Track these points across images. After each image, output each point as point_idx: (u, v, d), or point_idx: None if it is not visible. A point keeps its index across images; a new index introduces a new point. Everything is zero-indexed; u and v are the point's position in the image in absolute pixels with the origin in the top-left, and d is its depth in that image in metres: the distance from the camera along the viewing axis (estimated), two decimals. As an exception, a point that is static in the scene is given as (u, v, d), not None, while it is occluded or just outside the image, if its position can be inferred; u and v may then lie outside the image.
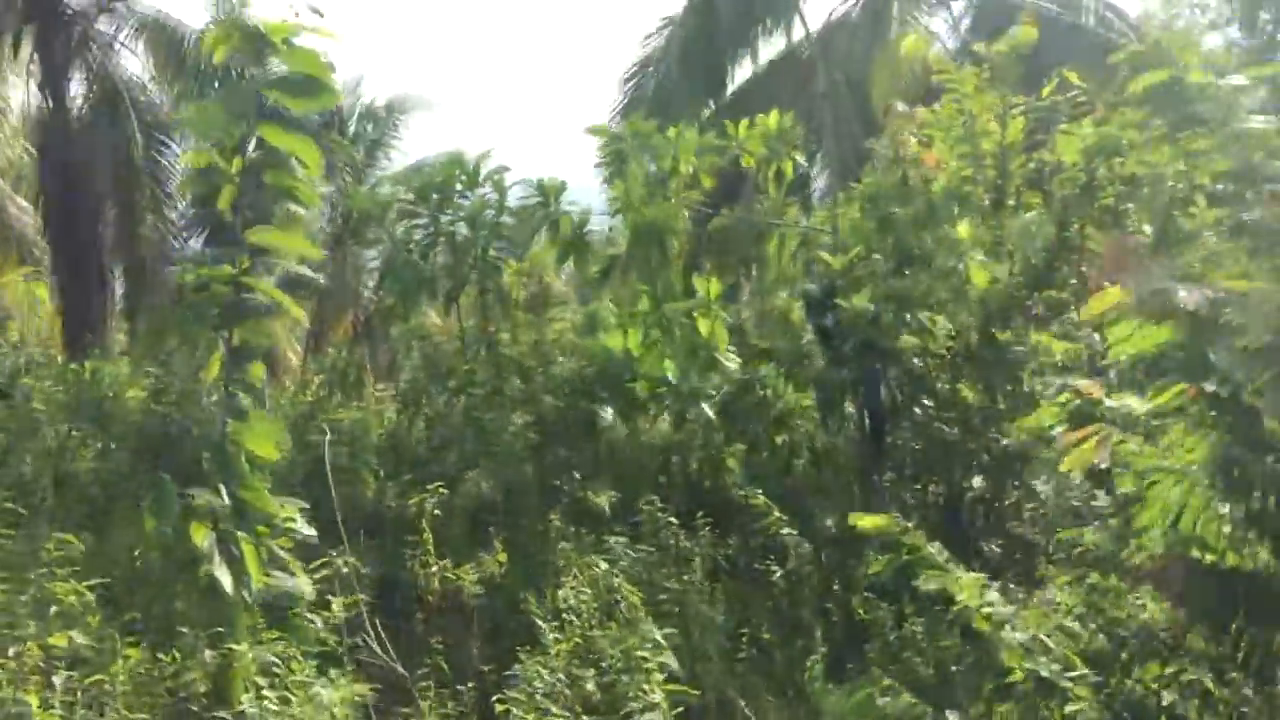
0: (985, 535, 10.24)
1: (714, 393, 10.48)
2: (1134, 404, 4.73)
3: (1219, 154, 5.87)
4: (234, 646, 4.67)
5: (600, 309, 13.39)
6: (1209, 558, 4.11)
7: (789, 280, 14.97)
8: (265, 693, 4.64)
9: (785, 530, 10.98)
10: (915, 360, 10.74)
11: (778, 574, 10.93)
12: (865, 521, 5.27)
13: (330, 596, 5.57)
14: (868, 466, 11.00)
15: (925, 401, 10.97)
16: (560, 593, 7.63)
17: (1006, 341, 10.11)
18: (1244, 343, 3.93)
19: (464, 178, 12.79)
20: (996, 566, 9.42)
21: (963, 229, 9.49)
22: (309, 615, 5.15)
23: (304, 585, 4.73)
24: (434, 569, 7.05)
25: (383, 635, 5.36)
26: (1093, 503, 7.45)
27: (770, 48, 21.66)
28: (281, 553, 4.66)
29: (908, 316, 10.07)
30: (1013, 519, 9.66)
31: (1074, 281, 10.49)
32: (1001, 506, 9.91)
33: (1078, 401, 5.05)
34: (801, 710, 8.11)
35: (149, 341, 4.77)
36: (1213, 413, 3.99)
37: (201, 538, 4.15)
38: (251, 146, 4.40)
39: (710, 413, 10.32)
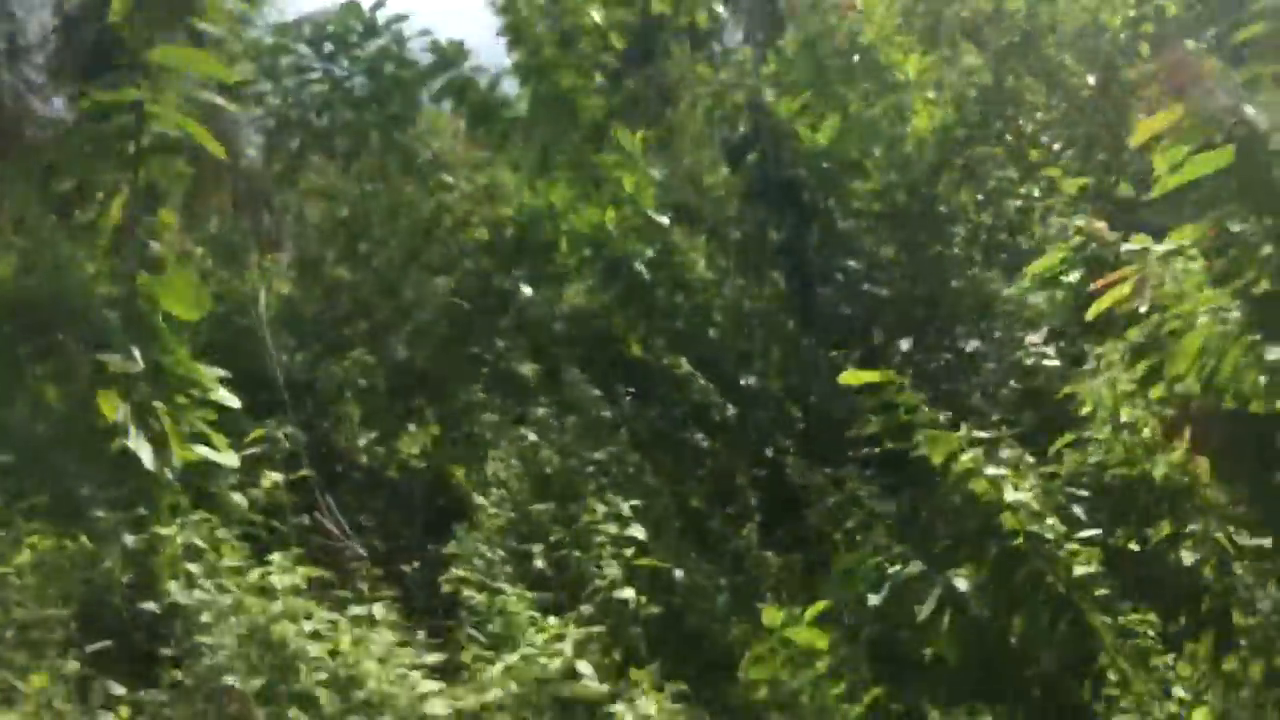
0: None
1: (649, 252, 9.99)
2: (1151, 245, 4.46)
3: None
4: (157, 530, 4.06)
5: (501, 174, 12.71)
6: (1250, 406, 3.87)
7: (701, 141, 14.43)
8: (198, 579, 4.15)
9: (711, 397, 10.74)
10: (841, 221, 10.43)
11: (704, 441, 10.70)
12: (858, 377, 4.93)
13: (259, 472, 5.07)
14: (792, 329, 10.75)
15: (852, 263, 10.70)
16: (490, 466, 7.24)
17: (936, 199, 9.84)
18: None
19: (360, 27, 11.84)
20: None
21: (911, 65, 9.07)
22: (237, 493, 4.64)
23: (230, 458, 4.19)
24: (361, 442, 6.55)
25: (331, 510, 4.82)
26: (1045, 360, 7.29)
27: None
28: (203, 425, 4.10)
29: (839, 174, 9.70)
30: (945, 379, 9.50)
31: (1009, 137, 10.22)
32: (934, 366, 9.74)
33: (1090, 243, 4.76)
34: (739, 578, 7.93)
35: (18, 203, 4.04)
36: (1263, 249, 3.69)
37: (113, 408, 3.59)
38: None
39: (645, 272, 9.84)
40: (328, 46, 11.85)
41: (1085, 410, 5.46)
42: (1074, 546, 4.05)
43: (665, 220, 10.12)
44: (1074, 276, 4.90)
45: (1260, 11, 4.12)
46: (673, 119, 15.61)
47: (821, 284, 10.71)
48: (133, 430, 3.46)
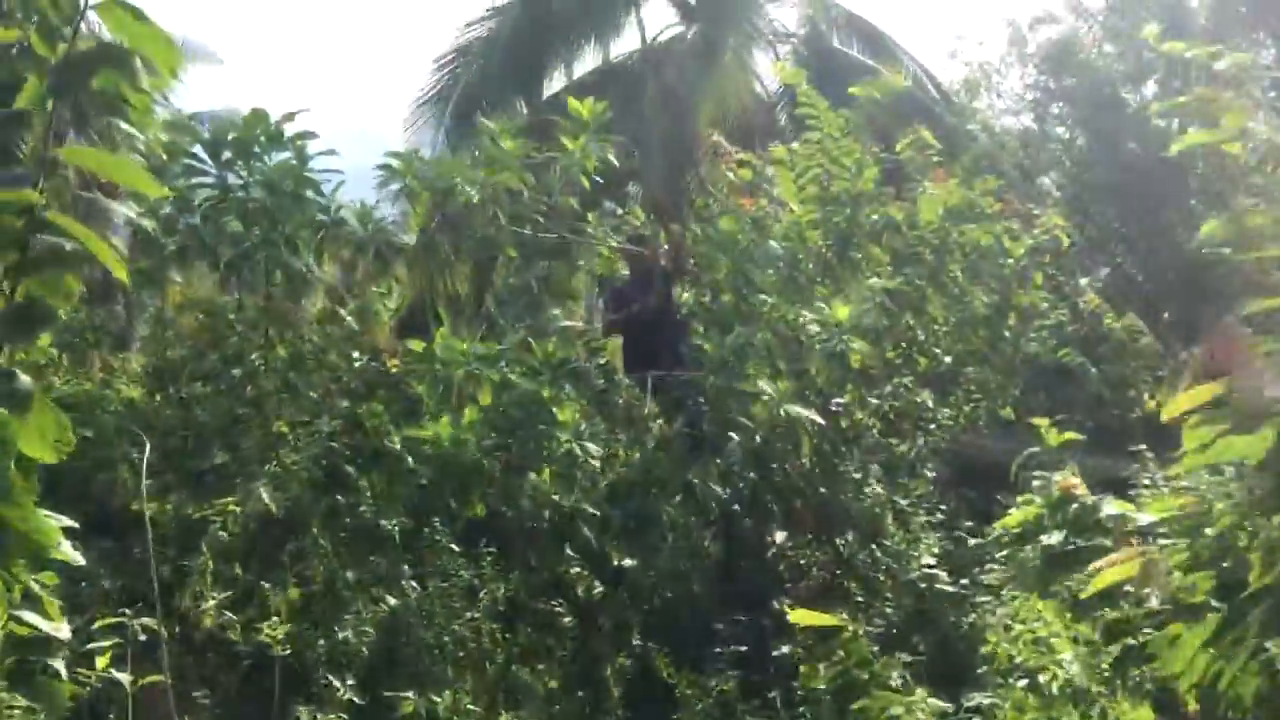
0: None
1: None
2: (1134, 513, 4.20)
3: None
4: None
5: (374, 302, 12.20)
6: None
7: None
8: None
9: (576, 569, 10.18)
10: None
11: (568, 618, 10.11)
12: (806, 618, 4.48)
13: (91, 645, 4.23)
14: (677, 512, 10.28)
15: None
16: (343, 634, 6.54)
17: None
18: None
19: (264, 138, 11.31)
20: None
21: (840, 310, 9.04)
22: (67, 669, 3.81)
23: (61, 629, 3.44)
24: (208, 604, 5.77)
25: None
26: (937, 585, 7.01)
27: (594, 58, 21.00)
28: (36, 586, 3.38)
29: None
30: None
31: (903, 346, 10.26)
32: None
33: (1071, 502, 4.47)
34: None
35: None
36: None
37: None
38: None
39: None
40: (226, 153, 11.28)
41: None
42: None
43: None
44: (1054, 538, 4.59)
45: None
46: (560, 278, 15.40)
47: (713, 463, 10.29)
48: (-53, 600, 2.77)
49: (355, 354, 9.69)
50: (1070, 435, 5.26)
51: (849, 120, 10.52)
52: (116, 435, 9.34)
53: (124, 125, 3.16)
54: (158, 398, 10.63)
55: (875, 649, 5.49)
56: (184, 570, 6.10)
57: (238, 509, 7.01)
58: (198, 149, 11.42)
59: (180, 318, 11.20)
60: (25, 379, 2.78)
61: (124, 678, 3.75)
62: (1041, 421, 5.29)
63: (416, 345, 9.14)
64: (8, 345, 2.81)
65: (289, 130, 11.47)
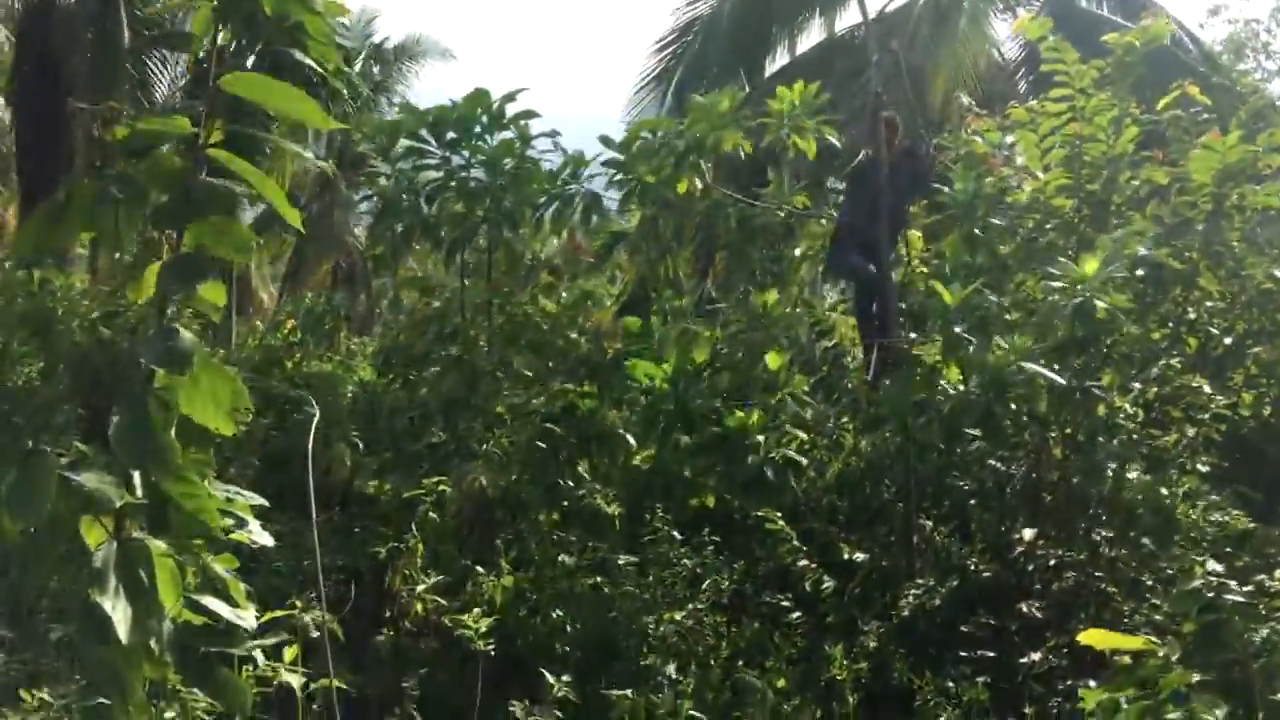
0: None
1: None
2: None
3: None
4: None
5: (597, 287, 11.96)
6: None
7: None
8: None
9: (803, 561, 9.62)
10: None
11: (795, 614, 9.54)
12: (1105, 640, 3.82)
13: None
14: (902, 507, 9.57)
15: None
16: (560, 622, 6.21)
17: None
18: None
19: (486, 118, 11.23)
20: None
21: (1089, 264, 8.03)
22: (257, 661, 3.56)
23: (247, 618, 3.16)
24: (419, 587, 5.55)
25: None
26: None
27: (819, 33, 20.33)
28: (221, 570, 3.11)
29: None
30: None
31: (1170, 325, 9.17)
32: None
33: None
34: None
35: (37, 233, 3.17)
36: None
37: (97, 541, 2.64)
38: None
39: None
40: (449, 133, 11.28)
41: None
42: None
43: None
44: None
45: None
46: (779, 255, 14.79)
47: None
48: (111, 580, 2.50)
49: (575, 335, 9.44)
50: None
51: (1103, 74, 9.50)
52: (350, 416, 9.45)
53: (303, 58, 2.82)
54: (387, 379, 10.72)
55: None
56: (398, 552, 5.92)
57: (448, 489, 6.80)
58: (422, 132, 11.48)
59: (405, 298, 11.30)
60: (188, 336, 2.48)
61: (295, 679, 3.46)
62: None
63: (634, 323, 8.78)
64: (170, 295, 2.51)
65: (510, 111, 11.39)
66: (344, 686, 4.46)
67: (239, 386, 2.72)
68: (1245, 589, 6.56)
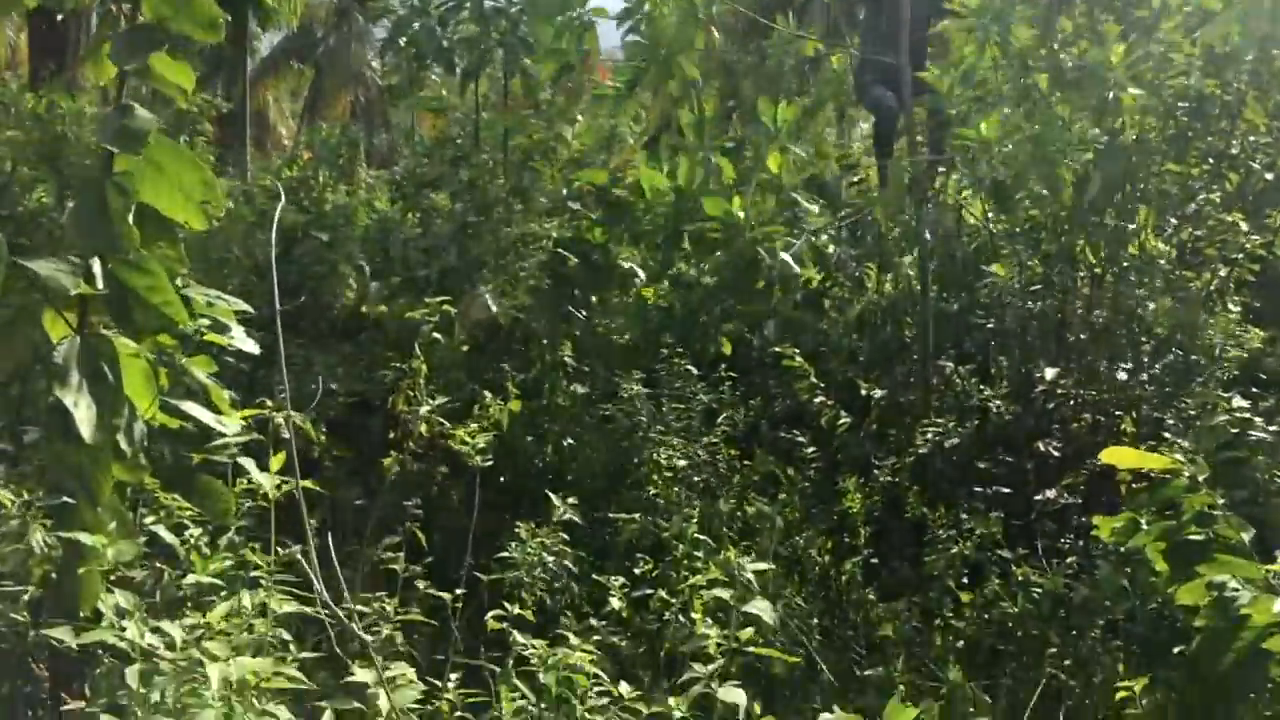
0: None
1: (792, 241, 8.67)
2: None
3: None
4: (83, 531, 2.61)
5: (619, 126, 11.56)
6: None
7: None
8: (137, 615, 2.86)
9: (820, 398, 9.52)
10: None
11: (810, 449, 9.49)
12: (1129, 458, 3.66)
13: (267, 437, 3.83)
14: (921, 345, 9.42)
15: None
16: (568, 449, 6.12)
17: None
18: None
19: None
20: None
21: (1116, 49, 7.62)
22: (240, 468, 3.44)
23: (228, 423, 3.03)
24: (424, 410, 5.45)
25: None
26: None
27: None
28: (202, 375, 2.98)
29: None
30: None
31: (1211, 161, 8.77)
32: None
33: None
34: (848, 630, 6.75)
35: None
36: None
37: (60, 335, 2.49)
38: None
39: (793, 264, 8.54)
40: (463, -49, 10.79)
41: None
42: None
43: (815, 208, 8.82)
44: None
45: None
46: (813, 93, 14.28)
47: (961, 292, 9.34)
48: (73, 374, 2.36)
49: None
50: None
51: None
52: (363, 246, 9.28)
53: None
54: (399, 207, 10.52)
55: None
56: (402, 374, 5.82)
57: (453, 310, 6.66)
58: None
59: (419, 124, 11.00)
60: (145, 114, 2.27)
61: (265, 479, 3.34)
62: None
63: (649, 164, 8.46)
64: (123, 67, 2.29)
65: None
66: (315, 488, 4.40)
67: (208, 177, 2.53)
68: (1270, 428, 6.40)
